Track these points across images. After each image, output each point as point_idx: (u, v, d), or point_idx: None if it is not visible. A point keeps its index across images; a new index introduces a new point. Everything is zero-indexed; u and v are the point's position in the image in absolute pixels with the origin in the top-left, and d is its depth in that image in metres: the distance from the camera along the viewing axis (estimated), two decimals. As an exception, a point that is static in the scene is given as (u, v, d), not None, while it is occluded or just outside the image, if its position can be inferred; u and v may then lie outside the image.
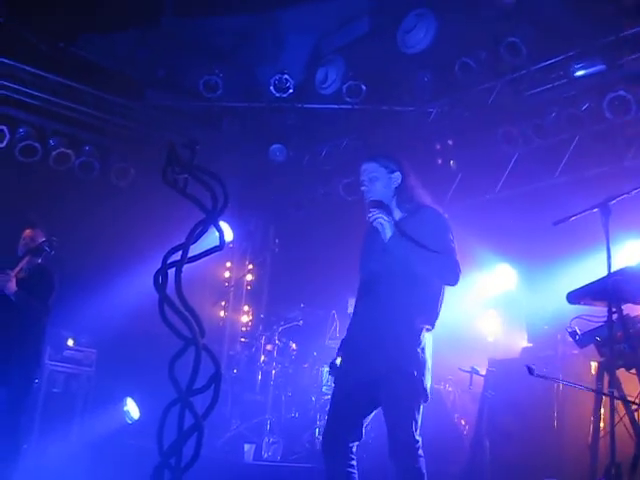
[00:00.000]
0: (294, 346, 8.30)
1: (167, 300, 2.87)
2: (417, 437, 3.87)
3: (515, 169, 8.26)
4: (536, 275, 7.53)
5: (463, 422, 7.34)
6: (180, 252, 2.93)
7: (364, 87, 8.60)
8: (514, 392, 6.22)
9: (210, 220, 2.99)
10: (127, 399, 8.94)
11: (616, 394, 4.00)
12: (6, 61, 8.67)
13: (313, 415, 7.79)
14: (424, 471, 3.86)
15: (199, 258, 3.01)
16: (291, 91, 8.87)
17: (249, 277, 11.29)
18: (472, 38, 7.90)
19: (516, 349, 7.24)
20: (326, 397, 7.92)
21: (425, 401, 3.95)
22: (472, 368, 6.46)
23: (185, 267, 3.01)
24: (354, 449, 4.09)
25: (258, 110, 9.44)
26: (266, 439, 7.50)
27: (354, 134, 9.46)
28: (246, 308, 11.25)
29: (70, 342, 8.72)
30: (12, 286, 5.87)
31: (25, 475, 6.18)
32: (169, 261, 2.96)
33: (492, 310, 8.19)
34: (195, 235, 2.99)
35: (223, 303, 11.02)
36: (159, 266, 3.02)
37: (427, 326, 4.01)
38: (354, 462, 4.09)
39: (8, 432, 5.88)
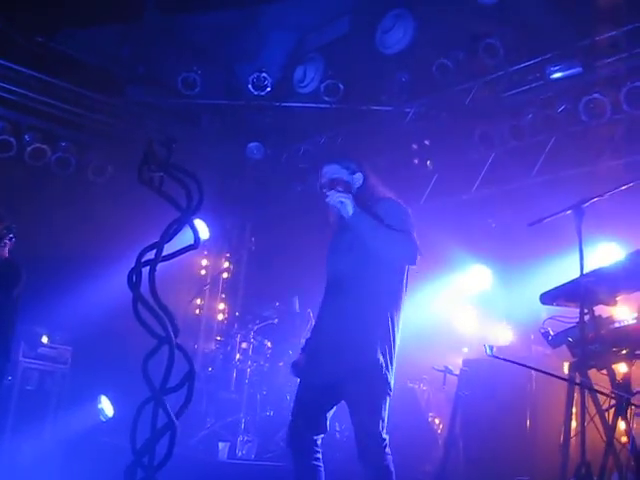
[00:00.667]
0: (269, 344, 8.29)
1: (141, 299, 2.87)
2: (384, 435, 3.89)
3: (491, 170, 8.30)
4: (511, 275, 7.58)
5: (437, 421, 7.38)
6: (154, 251, 2.92)
7: (342, 86, 8.62)
8: (487, 392, 6.28)
9: (185, 218, 2.99)
10: (101, 397, 8.89)
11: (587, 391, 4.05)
12: (-18, 55, 8.60)
13: (288, 414, 7.78)
14: (392, 469, 3.88)
15: (174, 257, 3.00)
16: (269, 89, 8.87)
17: (225, 275, 11.26)
18: (450, 39, 7.94)
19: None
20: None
21: (390, 396, 3.96)
22: (446, 367, 6.50)
23: (161, 265, 3.01)
24: (319, 442, 4.11)
25: (237, 108, 9.43)
26: (241, 437, 7.49)
27: (331, 133, 9.48)
28: (221, 306, 11.23)
29: (44, 339, 8.66)
30: None
31: (-2, 473, 6.15)
32: (143, 259, 2.95)
33: (467, 310, 8.24)
34: (170, 233, 2.99)
35: (199, 301, 10.99)
36: (134, 264, 3.01)
37: (392, 324, 4.03)
38: (319, 455, 4.11)
39: None
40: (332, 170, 4.24)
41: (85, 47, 8.78)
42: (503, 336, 7.62)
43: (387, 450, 3.88)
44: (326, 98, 8.67)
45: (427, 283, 8.01)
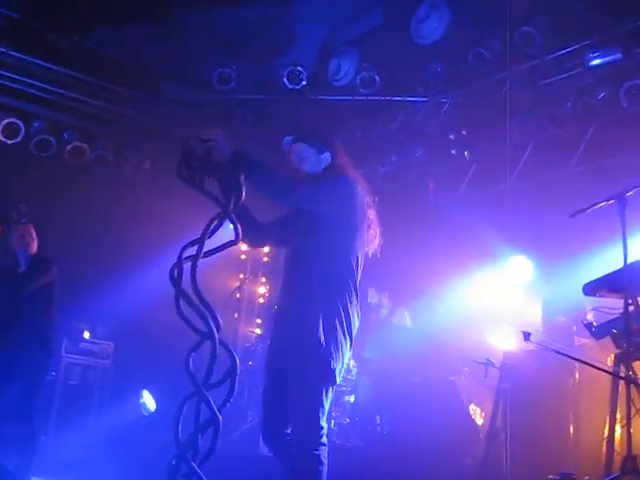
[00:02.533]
0: (308, 337, 8.29)
1: (183, 295, 2.89)
2: (322, 423, 3.68)
3: (530, 159, 8.21)
4: (552, 266, 7.49)
5: (478, 414, 7.34)
6: (195, 246, 2.94)
7: (377, 78, 8.58)
8: (529, 384, 6.21)
9: (225, 214, 3.00)
10: (143, 391, 8.98)
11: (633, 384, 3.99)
12: (21, 56, 8.70)
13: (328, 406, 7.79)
14: (324, 460, 3.66)
15: (214, 252, 3.02)
16: (304, 83, 8.86)
17: (265, 259, 11.27)
18: (486, 28, 7.85)
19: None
20: (341, 388, 7.93)
21: (333, 384, 3.73)
22: (487, 360, 6.44)
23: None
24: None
25: (271, 102, 9.43)
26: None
27: (368, 125, 9.44)
28: (262, 290, 11.28)
29: (86, 335, 8.77)
30: None
31: (42, 467, 6.23)
32: (184, 255, 2.97)
33: (508, 301, 8.16)
34: (210, 229, 3.00)
35: (238, 295, 11.03)
36: (174, 259, 3.03)
37: (342, 308, 3.78)
38: None
39: (23, 427, 5.92)
40: (300, 149, 3.99)
41: (120, 45, 8.85)
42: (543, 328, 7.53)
43: (323, 440, 3.67)
44: (362, 90, 8.64)
45: (467, 274, 7.97)
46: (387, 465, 6.68)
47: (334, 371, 3.69)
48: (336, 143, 4.11)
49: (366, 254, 4.05)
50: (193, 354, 3.04)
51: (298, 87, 8.90)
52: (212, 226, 3.02)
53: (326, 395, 3.70)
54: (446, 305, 7.87)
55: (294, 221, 3.88)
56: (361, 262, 3.95)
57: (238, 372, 3.02)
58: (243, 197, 3.10)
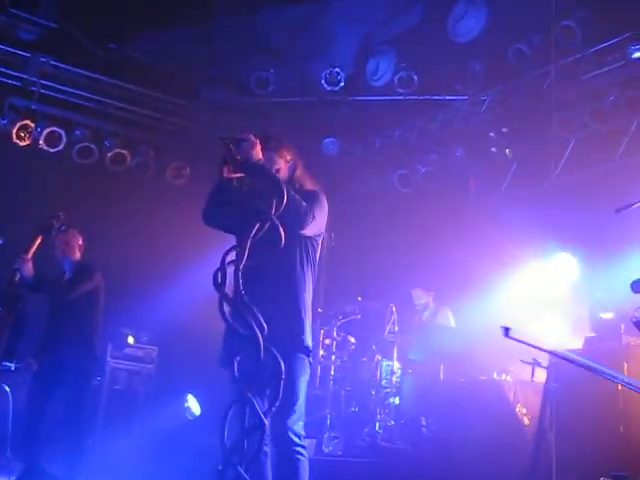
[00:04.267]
0: (352, 340, 8.27)
1: (227, 299, 2.88)
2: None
3: (573, 155, 8.09)
4: (598, 263, 7.36)
5: (525, 415, 7.23)
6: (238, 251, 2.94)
7: (416, 77, 8.54)
8: (578, 384, 6.09)
9: (267, 218, 2.99)
10: (188, 395, 9.03)
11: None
12: (61, 65, 8.83)
13: (373, 409, 7.76)
14: (303, 457, 3.77)
15: (258, 257, 3.01)
16: (342, 84, 8.84)
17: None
18: (524, 23, 7.76)
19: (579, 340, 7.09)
20: (386, 390, 7.89)
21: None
22: (534, 359, 6.34)
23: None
24: None
25: (310, 104, 9.43)
26: (327, 434, 7.50)
27: (407, 125, 9.39)
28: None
29: (130, 340, 8.84)
30: (29, 268, 5.91)
31: (89, 471, 6.28)
32: (227, 260, 2.97)
33: (553, 299, 8.04)
34: (252, 233, 2.99)
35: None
36: (217, 263, 3.03)
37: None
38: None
39: (70, 432, 5.98)
40: (271, 160, 3.88)
41: (158, 51, 8.92)
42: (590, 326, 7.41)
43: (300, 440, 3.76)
44: (400, 90, 8.60)
45: (512, 272, 7.88)
46: (433, 467, 6.63)
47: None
48: (295, 151, 4.11)
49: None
50: (237, 358, 3.04)
51: (336, 89, 8.90)
52: (254, 230, 3.01)
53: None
54: (490, 304, 7.79)
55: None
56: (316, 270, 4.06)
57: (283, 376, 3.01)
58: (285, 200, 3.08)
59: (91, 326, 6.25)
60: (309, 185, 4.05)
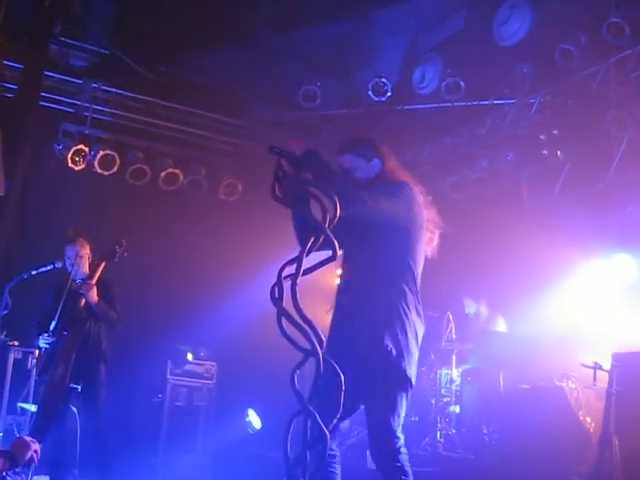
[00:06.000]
0: (410, 350, 8.23)
1: (285, 313, 2.91)
2: (399, 434, 3.69)
3: (626, 154, 7.95)
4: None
5: (589, 420, 7.11)
6: (294, 265, 2.96)
7: (462, 83, 8.50)
8: (642, 387, 5.98)
9: (321, 231, 3.01)
10: (248, 410, 9.09)
11: None
12: (113, 90, 9.02)
13: (433, 418, 7.71)
14: (407, 469, 3.67)
15: (313, 270, 3.03)
16: (389, 94, 8.85)
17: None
18: (570, 23, 7.68)
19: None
20: (445, 399, 7.84)
21: (408, 389, 3.72)
22: (595, 363, 6.24)
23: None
24: (334, 446, 3.89)
25: (357, 116, 9.45)
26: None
27: (455, 131, 9.36)
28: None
29: (189, 356, 8.95)
30: (94, 295, 6.03)
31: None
32: (284, 274, 2.99)
33: (613, 301, 7.91)
34: (308, 247, 3.02)
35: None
36: (273, 278, 3.06)
37: (405, 306, 3.75)
38: (334, 460, 3.90)
39: (96, 446, 6.01)
40: (347, 161, 3.94)
41: (206, 71, 9.04)
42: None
43: (402, 450, 3.66)
44: (447, 97, 8.57)
45: (568, 275, 7.77)
46: (496, 475, 6.56)
47: (407, 375, 3.67)
48: (383, 148, 4.04)
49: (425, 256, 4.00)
50: (297, 372, 3.06)
51: (383, 99, 8.91)
52: (309, 243, 3.04)
53: (402, 402, 3.69)
54: (547, 308, 7.70)
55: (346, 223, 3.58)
56: (420, 265, 3.91)
57: (344, 388, 3.02)
58: (338, 213, 3.10)
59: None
60: (400, 178, 3.96)
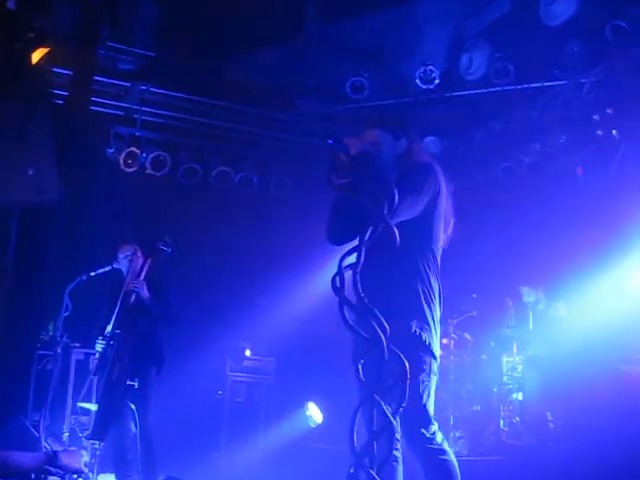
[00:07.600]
0: (470, 338, 8.16)
1: (347, 302, 2.89)
2: (428, 407, 3.72)
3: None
4: None
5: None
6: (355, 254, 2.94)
7: (511, 67, 8.36)
8: None
9: (381, 220, 2.99)
10: (309, 403, 9.10)
11: None
12: (161, 91, 9.09)
13: (496, 406, 7.64)
14: (446, 448, 3.72)
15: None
16: (437, 81, 8.76)
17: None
18: (620, -3, 7.51)
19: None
20: (508, 387, 7.75)
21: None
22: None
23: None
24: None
25: (406, 105, 9.37)
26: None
27: (506, 116, 9.22)
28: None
29: (248, 352, 9.01)
30: (146, 291, 6.09)
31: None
32: (344, 264, 2.97)
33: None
34: (367, 236, 2.99)
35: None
36: (332, 270, 3.04)
37: (425, 292, 3.81)
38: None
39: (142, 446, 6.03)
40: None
41: (253, 68, 9.05)
42: None
43: (438, 434, 3.70)
44: (496, 81, 8.45)
45: (629, 258, 7.61)
46: (561, 463, 6.46)
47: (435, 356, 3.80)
48: (412, 131, 4.03)
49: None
50: (362, 361, 3.04)
51: (431, 86, 8.82)
52: (369, 232, 3.01)
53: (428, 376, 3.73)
54: (608, 292, 7.55)
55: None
56: (440, 250, 3.96)
57: (409, 376, 2.99)
58: (396, 200, 3.07)
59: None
60: (423, 159, 3.98)
